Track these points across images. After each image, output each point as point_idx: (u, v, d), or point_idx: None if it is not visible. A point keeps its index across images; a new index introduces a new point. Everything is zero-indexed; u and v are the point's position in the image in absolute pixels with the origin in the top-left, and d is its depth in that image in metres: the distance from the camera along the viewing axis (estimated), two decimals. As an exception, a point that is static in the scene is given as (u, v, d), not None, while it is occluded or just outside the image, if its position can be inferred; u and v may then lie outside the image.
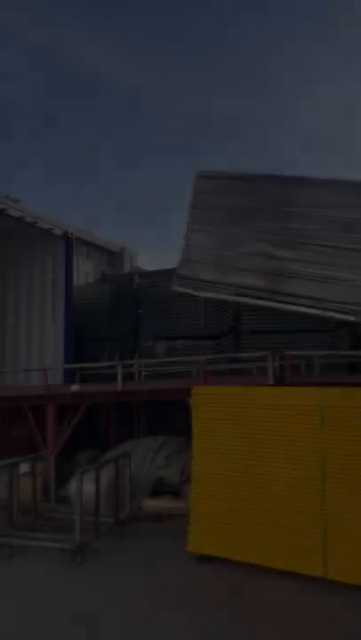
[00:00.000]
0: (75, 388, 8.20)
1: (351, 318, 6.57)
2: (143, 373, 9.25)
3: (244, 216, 7.18)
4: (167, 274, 8.12)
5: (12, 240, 10.50)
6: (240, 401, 5.31)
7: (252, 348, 8.53)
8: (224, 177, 7.49)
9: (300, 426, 4.90)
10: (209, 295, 7.34)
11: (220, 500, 5.14)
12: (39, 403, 8.29)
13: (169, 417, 9.29)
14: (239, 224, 7.19)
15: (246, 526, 4.95)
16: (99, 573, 5.04)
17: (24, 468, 6.99)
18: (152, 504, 6.92)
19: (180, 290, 7.40)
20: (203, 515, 5.23)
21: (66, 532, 5.85)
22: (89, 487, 5.68)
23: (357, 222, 6.70)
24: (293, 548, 4.71)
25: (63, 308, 9.97)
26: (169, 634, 3.86)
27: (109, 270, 14.21)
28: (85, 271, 13.84)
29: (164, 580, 4.84)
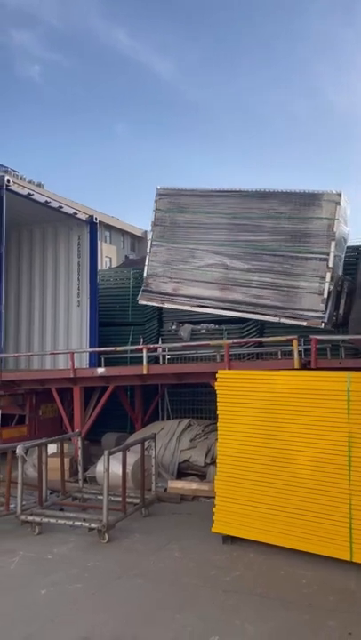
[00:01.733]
0: (100, 371, 8.30)
1: (304, 324, 6.99)
2: (167, 357, 9.33)
3: (202, 230, 7.70)
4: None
5: (38, 225, 10.61)
6: (265, 385, 5.32)
7: (278, 331, 8.51)
8: (182, 194, 7.96)
9: (325, 410, 4.89)
10: (173, 307, 8.03)
11: (245, 482, 5.18)
12: (66, 385, 8.43)
13: (194, 400, 9.38)
14: (198, 238, 7.70)
15: (271, 508, 4.98)
16: (126, 551, 5.16)
17: (52, 448, 7.16)
18: (177, 485, 7.00)
19: (147, 303, 8.13)
20: (228, 496, 5.28)
21: (93, 511, 6.00)
22: (115, 468, 5.78)
23: (303, 231, 7.09)
24: (318, 531, 4.73)
25: (88, 292, 10.08)
26: (195, 608, 3.95)
27: (133, 255, 14.27)
28: (109, 256, 13.90)
29: (190, 557, 4.93)
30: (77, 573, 4.65)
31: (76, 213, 10.21)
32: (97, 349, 9.25)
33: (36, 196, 9.49)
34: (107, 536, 5.32)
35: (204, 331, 9.63)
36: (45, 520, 5.67)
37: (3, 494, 6.19)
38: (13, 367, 9.89)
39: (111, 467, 5.54)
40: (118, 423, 9.70)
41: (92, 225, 10.39)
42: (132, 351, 8.85)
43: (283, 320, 7.13)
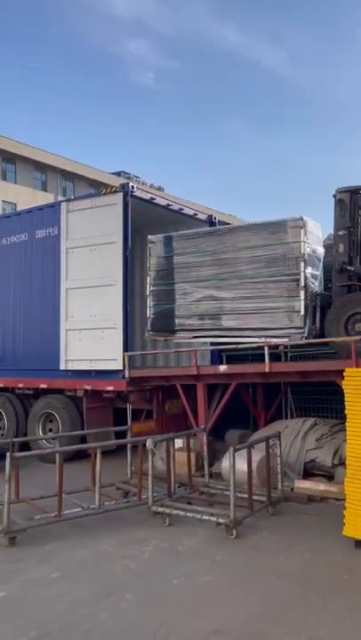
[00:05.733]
0: (223, 368, 8.39)
1: (286, 340, 7.65)
2: (290, 354, 9.16)
3: (189, 269, 8.54)
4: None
5: (160, 228, 10.97)
6: None
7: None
8: (169, 239, 8.84)
9: None
10: (176, 340, 8.87)
11: (378, 485, 4.94)
12: (190, 382, 8.64)
13: (319, 399, 9.11)
14: (187, 276, 8.56)
15: None
16: (253, 548, 5.18)
17: (178, 443, 7.39)
18: (304, 485, 6.87)
19: (153, 339, 9.12)
20: (358, 499, 5.07)
21: (220, 506, 6.10)
22: (241, 465, 5.81)
23: (275, 257, 7.68)
24: None
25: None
26: (328, 611, 3.86)
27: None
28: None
29: (321, 559, 4.83)
30: (207, 566, 4.76)
31: (195, 214, 10.42)
32: (218, 347, 9.34)
33: (158, 200, 9.84)
34: (234, 532, 5.38)
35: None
36: (175, 512, 5.87)
37: (135, 485, 6.52)
38: (140, 365, 10.36)
39: (236, 463, 5.58)
40: (241, 420, 9.72)
41: (212, 224, 10.52)
42: (253, 348, 8.82)
43: (268, 340, 7.67)
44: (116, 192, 9.07)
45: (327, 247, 8.31)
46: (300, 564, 4.80)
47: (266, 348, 7.67)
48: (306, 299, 7.43)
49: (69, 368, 9.41)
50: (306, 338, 7.42)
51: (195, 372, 8.35)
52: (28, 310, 10.18)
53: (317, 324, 7.58)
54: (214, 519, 5.57)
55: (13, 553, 5.12)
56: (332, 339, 7.30)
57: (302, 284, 7.42)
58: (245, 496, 5.88)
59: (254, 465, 6.27)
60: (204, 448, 7.45)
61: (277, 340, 7.69)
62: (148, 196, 9.62)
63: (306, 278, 7.46)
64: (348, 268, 7.37)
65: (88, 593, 4.28)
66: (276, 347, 8.94)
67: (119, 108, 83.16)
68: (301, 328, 7.42)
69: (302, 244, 7.47)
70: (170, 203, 10.10)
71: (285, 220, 7.70)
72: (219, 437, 9.02)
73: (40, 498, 6.38)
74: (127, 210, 8.87)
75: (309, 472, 7.50)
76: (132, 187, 9.08)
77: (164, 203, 9.91)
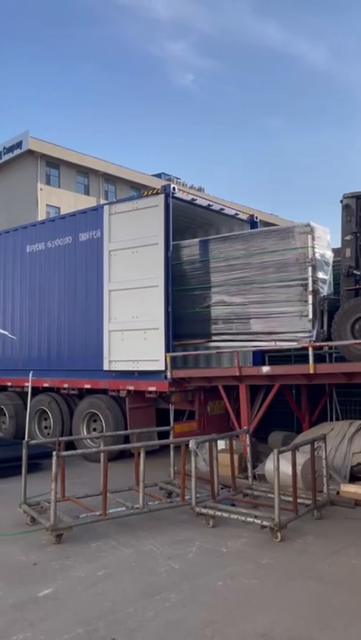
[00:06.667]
0: (265, 369, 8.30)
1: (294, 344, 7.84)
2: (334, 355, 8.98)
3: (203, 275, 8.96)
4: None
5: (201, 228, 10.98)
6: None
7: None
8: (182, 246, 9.29)
9: None
10: (195, 344, 9.22)
11: None
12: (232, 383, 8.61)
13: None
14: (202, 282, 8.97)
15: None
16: (299, 552, 5.11)
17: (221, 444, 7.37)
18: (351, 489, 6.72)
19: (175, 344, 9.26)
20: None
21: (264, 509, 6.04)
22: (285, 467, 5.74)
23: (283, 262, 7.95)
24: None
25: (251, 291, 10.14)
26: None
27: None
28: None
29: (369, 567, 4.72)
30: (252, 569, 4.73)
31: (236, 214, 10.37)
32: (261, 348, 9.27)
33: (199, 201, 9.84)
34: (279, 535, 5.32)
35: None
36: (218, 514, 5.85)
37: (178, 486, 6.54)
38: (182, 365, 10.38)
39: (280, 466, 5.52)
40: (284, 422, 9.62)
41: (253, 224, 10.46)
42: (296, 349, 8.70)
43: (278, 344, 7.97)
44: (157, 194, 9.13)
45: (336, 252, 8.27)
46: (347, 569, 4.70)
47: (310, 349, 7.55)
48: (314, 303, 7.63)
49: (112, 369, 9.53)
50: (314, 341, 7.60)
51: (237, 373, 8.31)
52: (73, 312, 10.37)
53: (325, 328, 7.73)
54: (259, 522, 5.52)
55: (60, 550, 5.23)
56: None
57: (310, 288, 7.64)
58: (290, 499, 5.81)
59: (299, 468, 6.18)
60: (247, 450, 7.39)
61: (286, 344, 7.92)
62: (189, 197, 9.64)
63: (314, 283, 7.65)
64: (355, 272, 7.45)
65: (133, 592, 4.32)
66: (321, 347, 8.79)
67: (159, 110, 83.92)
68: (310, 332, 7.63)
69: (310, 249, 7.70)
70: (210, 203, 10.09)
71: (293, 227, 8.04)
72: (261, 439, 8.95)
73: (85, 496, 6.50)
74: (169, 211, 8.92)
75: (356, 476, 7.34)
76: (174, 188, 9.11)
77: (204, 203, 9.91)
